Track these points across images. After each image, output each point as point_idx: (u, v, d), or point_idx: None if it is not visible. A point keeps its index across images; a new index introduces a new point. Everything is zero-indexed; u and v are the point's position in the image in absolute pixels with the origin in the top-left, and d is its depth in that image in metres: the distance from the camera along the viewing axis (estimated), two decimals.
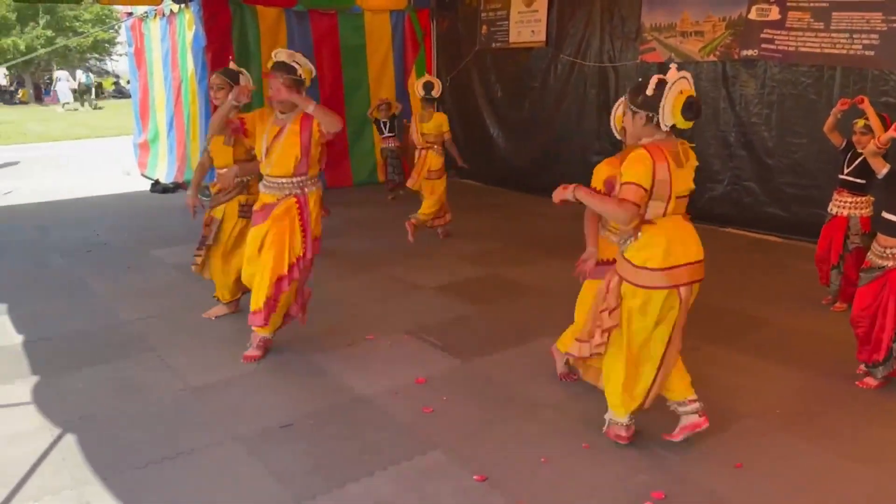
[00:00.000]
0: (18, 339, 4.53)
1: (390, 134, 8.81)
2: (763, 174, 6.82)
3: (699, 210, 7.53)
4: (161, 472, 3.04)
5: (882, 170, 3.74)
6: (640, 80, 2.93)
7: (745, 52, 6.66)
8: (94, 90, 28.92)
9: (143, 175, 10.71)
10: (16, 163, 12.53)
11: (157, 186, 9.64)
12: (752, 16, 6.54)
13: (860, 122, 4.43)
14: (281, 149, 3.92)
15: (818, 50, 6.12)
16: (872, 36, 5.82)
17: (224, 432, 3.35)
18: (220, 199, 4.67)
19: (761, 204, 6.85)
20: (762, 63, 6.61)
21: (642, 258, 2.87)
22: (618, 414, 3.13)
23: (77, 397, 3.73)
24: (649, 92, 2.80)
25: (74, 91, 27.77)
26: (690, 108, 2.74)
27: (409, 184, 6.79)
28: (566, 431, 3.30)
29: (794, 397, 3.66)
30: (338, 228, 7.32)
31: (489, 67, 9.55)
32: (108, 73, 40.47)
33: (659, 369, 3.01)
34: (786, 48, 6.34)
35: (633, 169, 2.80)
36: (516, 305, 5.04)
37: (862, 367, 3.75)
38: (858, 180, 4.58)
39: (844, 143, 4.66)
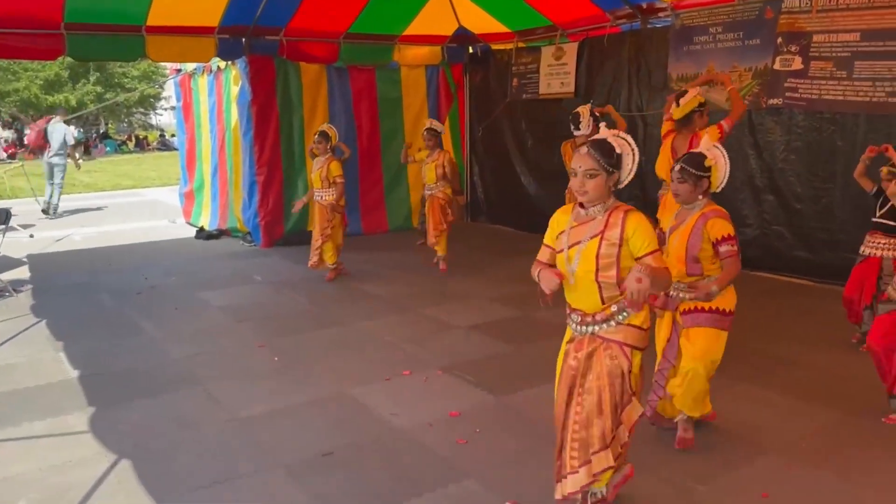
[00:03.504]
0: (74, 373, 4.79)
1: None
2: (792, 219, 6.92)
3: None
4: (211, 495, 3.22)
5: None
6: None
7: (771, 101, 6.83)
8: (83, 146, 29.81)
9: (187, 223, 11.14)
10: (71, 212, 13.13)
11: (201, 233, 10.03)
12: (777, 66, 6.72)
13: (884, 170, 4.58)
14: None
15: (842, 98, 6.27)
16: (895, 83, 5.96)
17: (269, 460, 3.53)
18: None
19: (791, 248, 6.92)
20: (787, 111, 6.78)
21: (642, 319, 2.77)
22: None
23: (130, 427, 3.95)
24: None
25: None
26: None
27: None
28: None
29: (822, 433, 3.72)
30: (374, 271, 7.59)
31: (520, 117, 9.86)
32: (152, 126, 42.13)
33: None
34: (809, 96, 6.51)
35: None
36: (547, 344, 5.11)
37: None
38: (890, 222, 4.69)
39: (875, 188, 4.80)
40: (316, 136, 6.98)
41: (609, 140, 2.72)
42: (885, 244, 4.75)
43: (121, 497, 3.22)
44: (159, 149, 34.32)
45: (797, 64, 6.54)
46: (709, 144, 3.38)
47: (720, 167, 3.33)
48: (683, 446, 3.53)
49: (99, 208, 13.67)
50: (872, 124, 6.19)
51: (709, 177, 3.32)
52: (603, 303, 2.72)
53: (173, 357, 5.10)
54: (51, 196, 12.39)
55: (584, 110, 6.18)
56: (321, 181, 6.96)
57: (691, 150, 3.51)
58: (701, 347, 3.38)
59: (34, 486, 3.32)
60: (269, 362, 4.96)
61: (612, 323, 2.72)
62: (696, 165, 3.30)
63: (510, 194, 10.10)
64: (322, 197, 7.02)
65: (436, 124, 7.40)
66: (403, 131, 9.94)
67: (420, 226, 9.34)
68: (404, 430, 3.83)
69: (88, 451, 3.67)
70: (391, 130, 9.85)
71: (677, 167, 3.34)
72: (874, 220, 4.81)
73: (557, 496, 2.78)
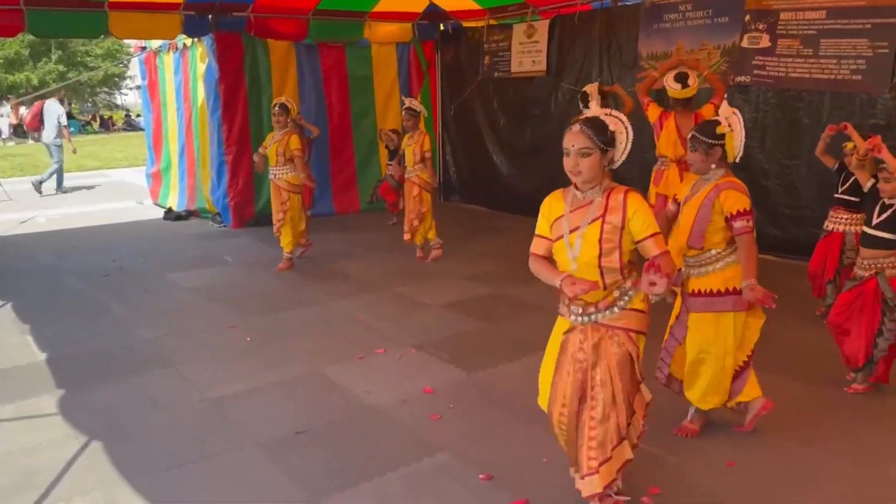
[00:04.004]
0: (42, 356, 4.72)
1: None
2: (760, 196, 6.99)
3: None
4: (184, 474, 3.22)
5: (867, 183, 4.02)
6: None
7: (738, 79, 6.90)
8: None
9: (155, 204, 10.97)
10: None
11: (169, 214, 9.89)
12: (745, 44, 6.78)
13: (849, 146, 4.68)
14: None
15: (808, 75, 6.35)
16: (859, 61, 6.04)
17: (243, 439, 3.53)
18: None
19: (758, 224, 6.95)
20: (755, 88, 6.85)
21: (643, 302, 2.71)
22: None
23: (101, 409, 3.91)
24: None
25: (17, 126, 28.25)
26: None
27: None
28: None
29: (786, 403, 3.80)
30: (347, 251, 7.55)
31: (492, 96, 9.82)
32: (117, 106, 41.24)
33: None
34: (777, 74, 6.58)
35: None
36: (521, 321, 5.21)
37: (851, 373, 3.93)
38: (853, 198, 4.79)
39: (837, 165, 4.91)
40: (276, 108, 6.49)
41: (601, 118, 2.64)
42: (847, 219, 4.86)
43: (92, 478, 3.20)
44: (125, 129, 33.57)
45: (765, 42, 6.61)
46: (729, 111, 3.23)
47: (736, 135, 3.18)
48: (682, 434, 3.45)
49: (91, 187, 13.69)
50: (836, 102, 6.29)
51: (722, 145, 3.19)
52: (605, 289, 2.62)
53: (143, 338, 5.05)
54: (52, 175, 12.57)
55: (592, 89, 6.18)
56: (277, 157, 6.44)
57: (707, 119, 3.48)
58: (697, 335, 3.36)
59: (3, 468, 3.29)
60: (242, 342, 4.93)
61: (616, 309, 2.61)
62: (707, 133, 3.21)
63: (483, 173, 10.09)
64: (276, 175, 6.53)
65: (415, 104, 6.90)
66: (374, 110, 9.87)
67: (373, 200, 9.39)
68: (378, 408, 3.84)
69: (58, 434, 3.63)
70: (362, 109, 9.76)
71: (690, 136, 3.31)
72: (837, 195, 4.92)
73: (583, 495, 2.70)
